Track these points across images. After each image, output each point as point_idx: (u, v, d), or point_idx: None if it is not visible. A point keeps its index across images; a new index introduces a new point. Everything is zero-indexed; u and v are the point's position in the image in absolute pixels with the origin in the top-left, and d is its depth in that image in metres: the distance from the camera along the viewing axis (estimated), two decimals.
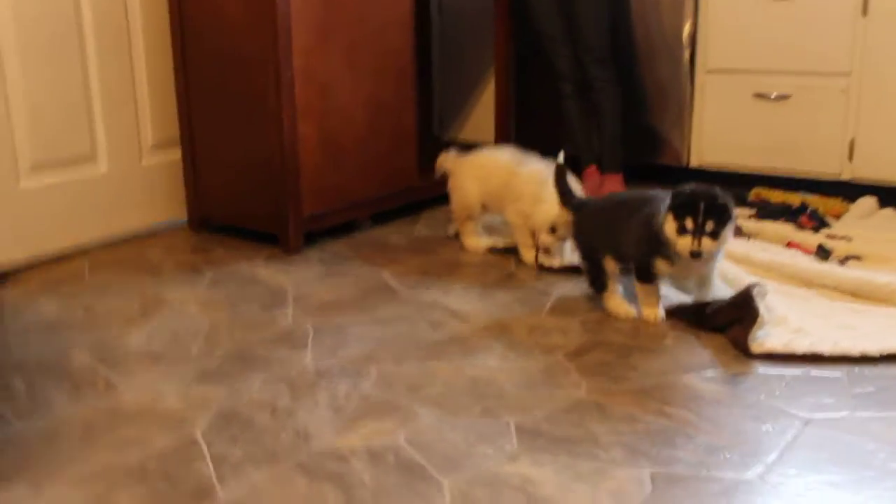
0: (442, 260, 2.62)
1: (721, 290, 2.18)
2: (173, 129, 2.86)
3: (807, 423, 1.64)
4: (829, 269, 2.29)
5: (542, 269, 2.51)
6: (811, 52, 3.11)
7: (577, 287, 2.37)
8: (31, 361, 1.93)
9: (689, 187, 1.97)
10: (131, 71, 2.74)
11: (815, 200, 2.95)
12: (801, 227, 2.67)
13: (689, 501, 1.39)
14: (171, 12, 2.74)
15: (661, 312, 2.12)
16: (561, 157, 2.36)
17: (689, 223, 1.92)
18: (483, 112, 3.89)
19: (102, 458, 1.53)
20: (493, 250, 2.67)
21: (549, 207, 2.39)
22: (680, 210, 1.93)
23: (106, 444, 1.59)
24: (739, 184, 3.28)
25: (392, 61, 2.88)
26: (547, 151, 3.56)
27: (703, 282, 2.15)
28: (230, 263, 2.59)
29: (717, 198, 1.93)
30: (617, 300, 2.17)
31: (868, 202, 2.99)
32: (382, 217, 3.03)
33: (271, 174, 2.61)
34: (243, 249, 2.72)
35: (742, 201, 2.98)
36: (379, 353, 1.96)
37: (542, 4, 3.22)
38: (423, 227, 2.95)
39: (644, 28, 3.38)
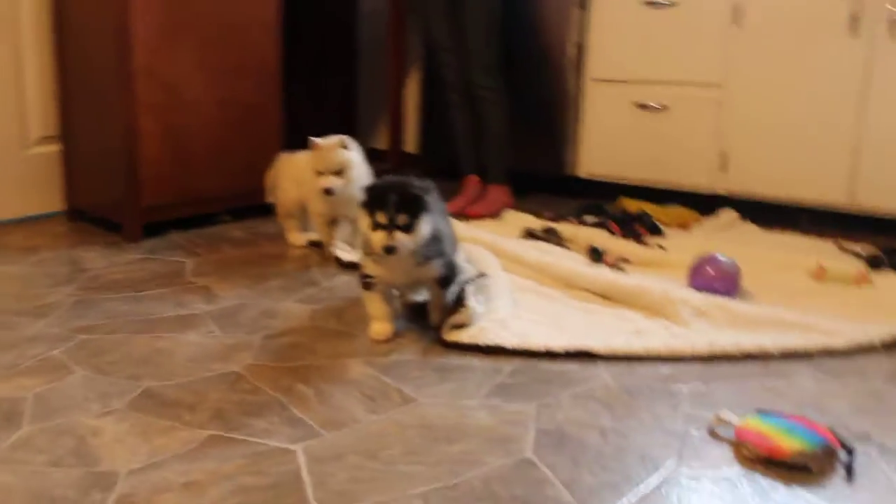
0: (258, 253, 2.73)
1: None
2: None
3: (406, 402, 1.66)
4: (587, 272, 2.27)
5: (340, 265, 2.57)
6: (686, 62, 3.06)
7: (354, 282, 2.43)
8: None
9: (381, 180, 1.97)
10: (18, 67, 3.00)
11: (663, 211, 2.89)
12: (611, 233, 2.63)
13: (212, 459, 1.45)
14: (52, 13, 2.99)
15: (387, 328, 2.00)
16: None
17: (380, 217, 1.85)
18: (405, 121, 3.98)
19: None
20: (311, 244, 2.76)
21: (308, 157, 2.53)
22: (372, 205, 1.87)
23: None
24: (624, 195, 3.24)
25: (253, 62, 3.04)
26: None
27: (431, 289, 2.04)
28: (67, 248, 2.79)
29: (408, 189, 1.87)
30: (374, 322, 2.03)
31: (728, 215, 2.92)
32: (247, 212, 3.17)
33: (116, 168, 2.80)
34: (94, 237, 2.92)
35: (600, 211, 2.94)
36: (105, 325, 2.10)
37: (431, 10, 3.28)
38: (278, 224, 3.05)
39: (534, 38, 3.39)
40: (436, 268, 1.97)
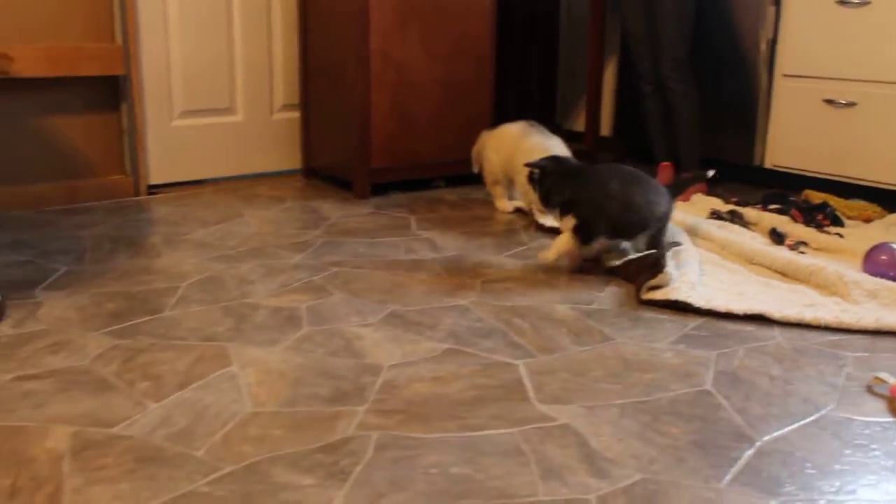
0: (470, 214, 3.12)
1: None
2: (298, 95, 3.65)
3: (605, 340, 1.99)
4: (768, 250, 2.50)
5: (542, 230, 2.92)
6: (877, 61, 3.18)
7: None
8: (127, 236, 2.76)
9: (544, 158, 2.60)
10: (269, 45, 3.55)
11: (846, 204, 3.05)
12: (793, 219, 2.83)
13: (452, 364, 1.84)
14: (300, 1, 3.52)
15: (551, 255, 2.49)
16: None
17: None
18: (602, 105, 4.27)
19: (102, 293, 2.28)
20: (517, 210, 3.13)
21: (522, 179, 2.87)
22: None
23: (124, 282, 2.33)
24: (809, 187, 3.41)
25: (470, 47, 3.44)
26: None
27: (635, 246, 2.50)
28: (307, 200, 3.29)
29: (541, 166, 2.53)
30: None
31: None
32: (459, 180, 3.58)
33: (349, 134, 3.28)
34: (327, 192, 3.42)
35: (784, 200, 3.13)
36: (350, 261, 2.55)
37: (630, 5, 3.56)
38: (485, 192, 3.43)
39: (727, 33, 3.60)
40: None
